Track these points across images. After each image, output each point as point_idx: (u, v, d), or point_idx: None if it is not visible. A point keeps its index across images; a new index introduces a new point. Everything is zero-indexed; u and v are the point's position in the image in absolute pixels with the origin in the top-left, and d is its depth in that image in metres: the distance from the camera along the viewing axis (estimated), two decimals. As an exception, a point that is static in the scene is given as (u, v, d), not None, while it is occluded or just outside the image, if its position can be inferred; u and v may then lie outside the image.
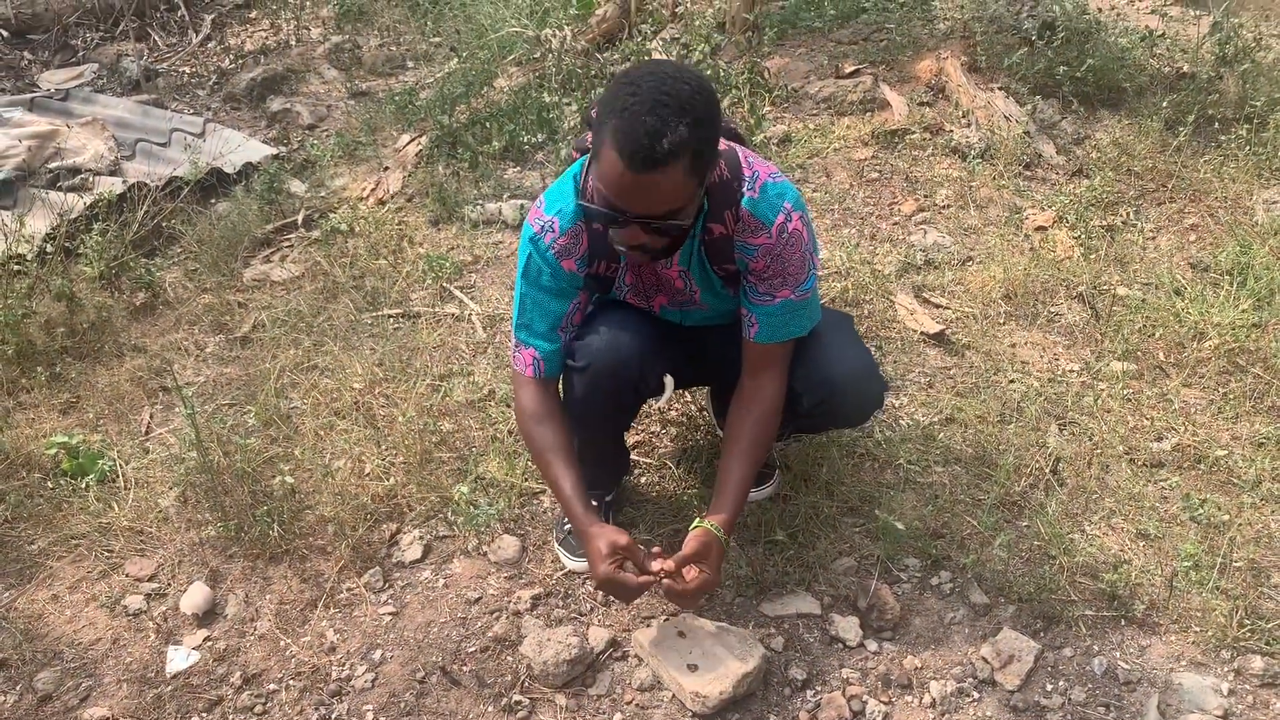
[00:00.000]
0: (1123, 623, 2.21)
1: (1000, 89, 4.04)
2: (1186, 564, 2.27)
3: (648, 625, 2.20)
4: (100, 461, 2.70)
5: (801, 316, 2.07)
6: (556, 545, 2.42)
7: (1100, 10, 4.49)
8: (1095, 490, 2.52)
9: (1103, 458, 2.60)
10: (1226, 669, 2.12)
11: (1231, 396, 2.78)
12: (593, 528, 2.02)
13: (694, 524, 2.06)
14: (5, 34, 5.26)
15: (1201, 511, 2.41)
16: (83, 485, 2.65)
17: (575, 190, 2.01)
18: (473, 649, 2.24)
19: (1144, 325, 3.01)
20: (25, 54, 5.19)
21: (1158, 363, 2.90)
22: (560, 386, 2.18)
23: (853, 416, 2.28)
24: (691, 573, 2.01)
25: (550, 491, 2.22)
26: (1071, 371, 2.90)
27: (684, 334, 2.27)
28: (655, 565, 2.01)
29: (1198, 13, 4.52)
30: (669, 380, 2.32)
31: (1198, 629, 2.19)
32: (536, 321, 2.08)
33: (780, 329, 2.05)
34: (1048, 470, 2.56)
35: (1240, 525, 2.38)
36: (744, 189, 1.95)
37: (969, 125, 3.93)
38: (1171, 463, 2.59)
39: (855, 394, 2.15)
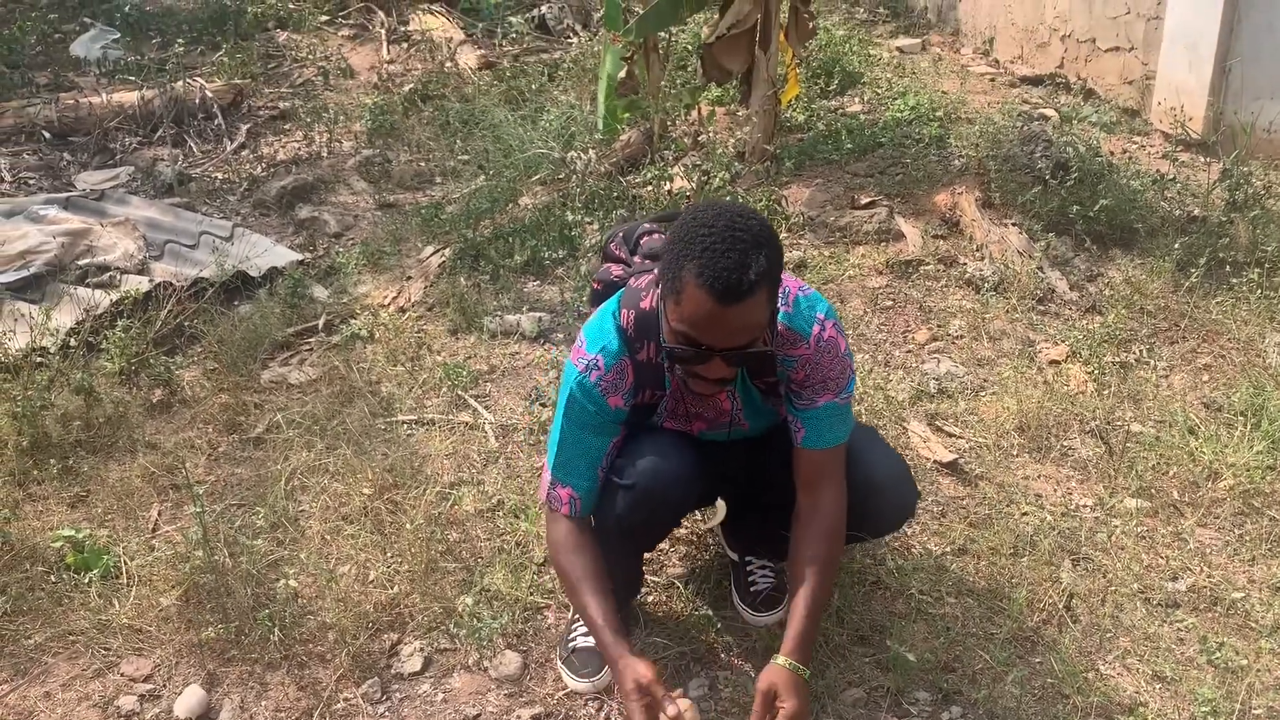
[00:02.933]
0: (1139, 769, 2.15)
1: (1014, 224, 4.11)
2: (1204, 709, 2.21)
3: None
4: (105, 557, 2.68)
5: (847, 420, 2.12)
6: (559, 663, 2.38)
7: (1112, 153, 4.61)
8: (1110, 629, 2.47)
9: (1117, 595, 2.57)
10: (1248, 823, 2.05)
11: (1248, 538, 2.75)
12: (621, 659, 1.97)
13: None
14: (48, 135, 5.45)
15: (1219, 655, 2.36)
16: (85, 580, 2.62)
17: (616, 328, 2.08)
18: (469, 767, 2.18)
19: (1158, 463, 3.00)
20: (65, 155, 5.35)
21: (1172, 501, 2.88)
22: (592, 518, 2.20)
23: (889, 522, 2.32)
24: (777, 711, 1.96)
25: (576, 614, 2.21)
26: (1085, 506, 2.88)
27: (718, 452, 2.28)
28: (670, 710, 1.90)
29: (1208, 159, 4.64)
30: (721, 504, 2.33)
31: (1217, 779, 2.12)
32: (576, 460, 2.11)
33: (826, 432, 2.09)
34: (1061, 606, 2.52)
35: (1259, 671, 2.33)
36: (777, 305, 2.00)
37: (983, 259, 4.00)
38: (1187, 603, 2.55)
39: (896, 497, 2.18)
